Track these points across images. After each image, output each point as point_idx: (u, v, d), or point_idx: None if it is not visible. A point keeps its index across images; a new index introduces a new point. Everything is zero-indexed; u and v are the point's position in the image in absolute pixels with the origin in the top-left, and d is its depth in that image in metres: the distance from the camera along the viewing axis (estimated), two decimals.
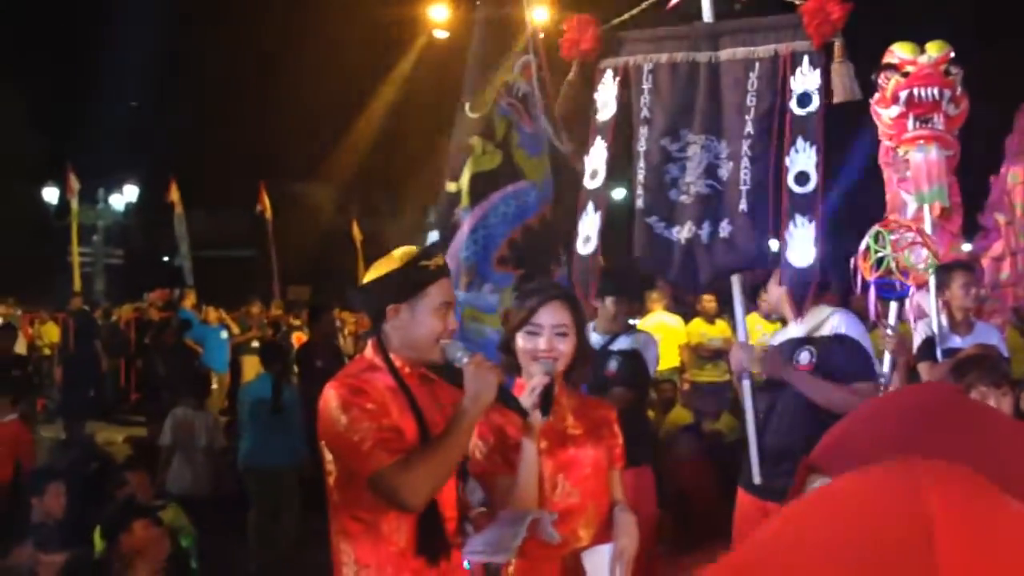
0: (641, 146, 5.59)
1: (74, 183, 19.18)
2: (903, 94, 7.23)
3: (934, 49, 7.31)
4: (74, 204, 19.61)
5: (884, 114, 7.35)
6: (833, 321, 5.39)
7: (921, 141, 7.29)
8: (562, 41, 5.77)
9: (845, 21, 5.10)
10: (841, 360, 5.24)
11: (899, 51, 7.39)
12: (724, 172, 5.44)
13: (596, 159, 5.76)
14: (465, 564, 3.66)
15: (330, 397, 3.35)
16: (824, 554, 1.06)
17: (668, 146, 5.52)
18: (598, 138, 5.77)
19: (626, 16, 5.71)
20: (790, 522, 1.14)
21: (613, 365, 6.00)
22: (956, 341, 6.24)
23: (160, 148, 24.23)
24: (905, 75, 7.30)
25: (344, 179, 26.87)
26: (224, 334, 14.69)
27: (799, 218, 5.30)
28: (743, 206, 5.35)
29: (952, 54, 7.30)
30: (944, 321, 6.47)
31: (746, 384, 5.29)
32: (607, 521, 3.88)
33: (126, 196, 27.36)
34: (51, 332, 17.35)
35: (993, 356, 5.23)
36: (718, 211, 5.44)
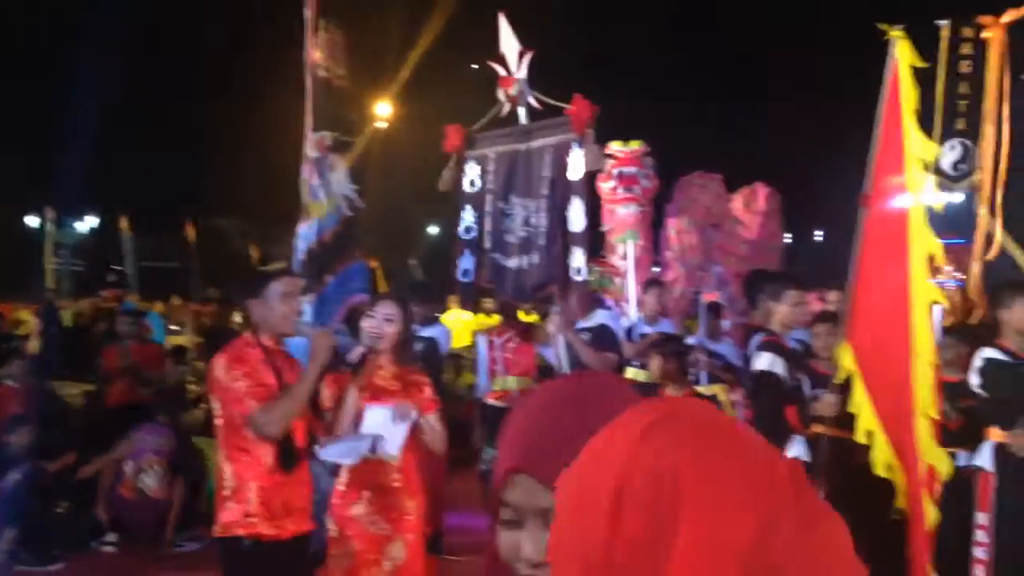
0: (488, 208, 6.22)
1: (50, 213, 18.74)
2: (616, 171, 8.23)
3: (635, 144, 8.32)
4: (50, 228, 19.08)
5: (604, 186, 8.27)
6: (598, 316, 6.27)
7: (627, 202, 8.31)
8: (444, 140, 6.42)
9: (594, 120, 5.58)
10: (599, 338, 6.06)
11: (614, 146, 8.34)
12: (534, 221, 6.03)
13: (467, 218, 6.45)
14: (322, 458, 3.84)
15: (217, 363, 3.61)
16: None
17: (503, 206, 6.17)
18: (468, 205, 6.47)
19: (481, 123, 6.33)
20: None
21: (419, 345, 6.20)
22: (647, 328, 6.77)
23: (115, 187, 23.88)
24: (616, 159, 8.27)
25: (248, 213, 26.52)
26: (159, 320, 14.44)
27: (575, 249, 5.84)
28: (542, 242, 5.95)
29: (647, 148, 8.37)
30: (642, 315, 7.18)
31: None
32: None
33: (88, 223, 29.58)
34: (27, 318, 16.76)
35: (674, 336, 5.83)
36: (532, 248, 6.03)
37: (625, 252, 8.27)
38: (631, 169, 8.52)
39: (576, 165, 5.76)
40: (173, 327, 14.83)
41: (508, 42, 6.02)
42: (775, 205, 9.83)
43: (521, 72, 6.04)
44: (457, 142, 6.40)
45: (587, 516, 0.83)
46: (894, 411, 4.19)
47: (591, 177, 5.92)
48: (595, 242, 8.35)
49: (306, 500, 3.85)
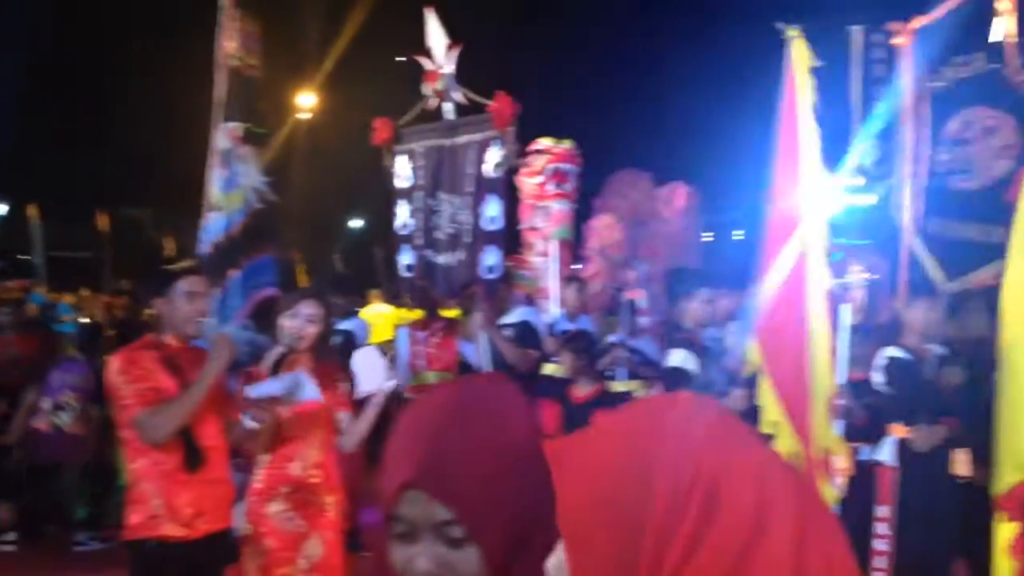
0: (416, 204, 6.20)
1: None
2: (550, 167, 8.20)
3: (567, 142, 8.34)
4: None
5: (530, 181, 8.26)
6: (521, 312, 6.46)
7: (558, 198, 8.29)
8: (373, 134, 6.39)
9: (516, 117, 5.63)
10: (521, 335, 6.27)
11: (545, 142, 8.33)
12: (460, 218, 6.03)
13: (402, 214, 6.46)
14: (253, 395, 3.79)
15: (112, 365, 3.56)
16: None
17: (432, 203, 6.16)
18: (402, 200, 6.46)
19: (408, 117, 6.30)
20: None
21: (338, 338, 6.17)
22: (568, 324, 6.89)
23: (24, 175, 23.05)
24: (550, 155, 8.22)
25: (163, 203, 26.05)
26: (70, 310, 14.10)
27: (490, 247, 5.85)
28: (468, 239, 5.96)
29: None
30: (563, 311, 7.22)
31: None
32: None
33: None
34: None
35: (584, 333, 5.93)
36: (459, 245, 6.05)
37: (546, 248, 8.33)
38: (566, 166, 8.57)
39: (495, 162, 5.81)
40: (83, 319, 14.48)
41: (435, 36, 6.03)
42: (694, 204, 10.05)
43: (448, 67, 6.05)
44: (386, 135, 6.37)
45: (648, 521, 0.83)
46: (796, 402, 4.33)
47: (510, 175, 5.96)
48: (512, 239, 8.43)
49: (220, 499, 3.82)
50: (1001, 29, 6.05)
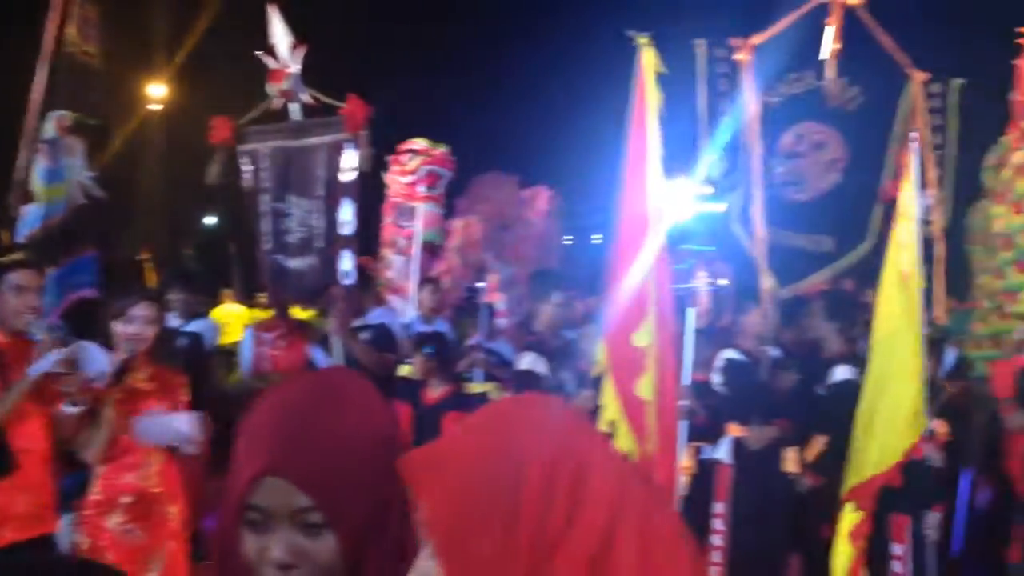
0: (264, 207, 6.05)
1: None
2: (423, 169, 8.18)
3: (443, 146, 8.32)
4: None
5: (400, 180, 8.18)
6: (377, 315, 6.50)
7: (428, 201, 8.23)
8: (211, 132, 6.17)
9: (369, 120, 5.62)
10: (378, 338, 6.26)
11: (421, 142, 8.28)
12: (311, 222, 5.92)
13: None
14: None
15: None
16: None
17: (279, 206, 6.01)
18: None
19: (249, 116, 6.11)
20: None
21: (183, 340, 6.04)
22: (423, 326, 6.94)
23: None
24: (425, 157, 8.19)
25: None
26: None
27: (344, 251, 5.81)
28: (320, 244, 5.87)
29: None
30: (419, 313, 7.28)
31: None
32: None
33: None
34: None
35: (435, 334, 6.01)
36: (310, 249, 5.93)
37: (408, 247, 8.34)
38: (440, 169, 8.57)
39: (349, 166, 5.78)
40: None
41: (279, 35, 5.93)
42: (555, 208, 10.25)
43: (294, 67, 5.97)
44: (225, 134, 6.22)
45: (508, 506, 0.88)
46: (634, 402, 4.52)
47: (364, 178, 5.93)
48: (368, 241, 8.40)
49: (32, 505, 3.67)
50: (827, 48, 6.44)
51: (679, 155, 7.43)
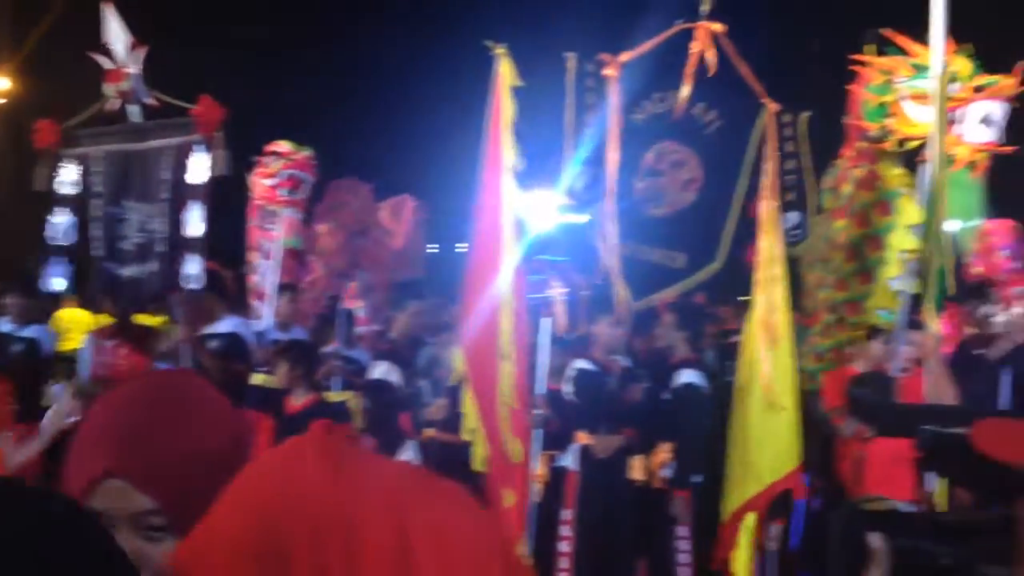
0: (96, 212, 5.79)
1: None
2: (284, 172, 7.96)
3: (306, 149, 8.15)
4: None
5: (263, 183, 7.98)
6: (228, 322, 6.32)
7: (289, 205, 8.07)
8: (35, 136, 5.89)
9: (222, 122, 5.49)
10: (228, 346, 6.12)
11: (284, 145, 8.09)
12: (152, 227, 5.72)
13: (60, 221, 6.08)
14: None
15: None
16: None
17: (114, 211, 5.79)
18: (63, 209, 6.05)
19: (79, 119, 5.87)
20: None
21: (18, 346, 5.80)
22: (278, 334, 6.84)
23: None
24: (288, 160, 7.99)
25: None
26: None
27: (191, 256, 5.64)
28: (162, 249, 5.68)
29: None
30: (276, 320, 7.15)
31: None
32: None
33: None
34: None
35: (302, 342, 5.96)
36: (150, 255, 5.72)
37: (270, 252, 8.14)
38: (301, 174, 8.35)
39: (199, 168, 5.63)
40: None
41: (116, 34, 5.72)
42: (421, 216, 10.27)
43: (133, 67, 5.77)
44: (51, 138, 5.94)
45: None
46: (491, 409, 4.58)
47: (224, 181, 5.79)
48: (237, 246, 8.20)
49: None
50: (689, 70, 6.67)
51: (547, 166, 7.57)
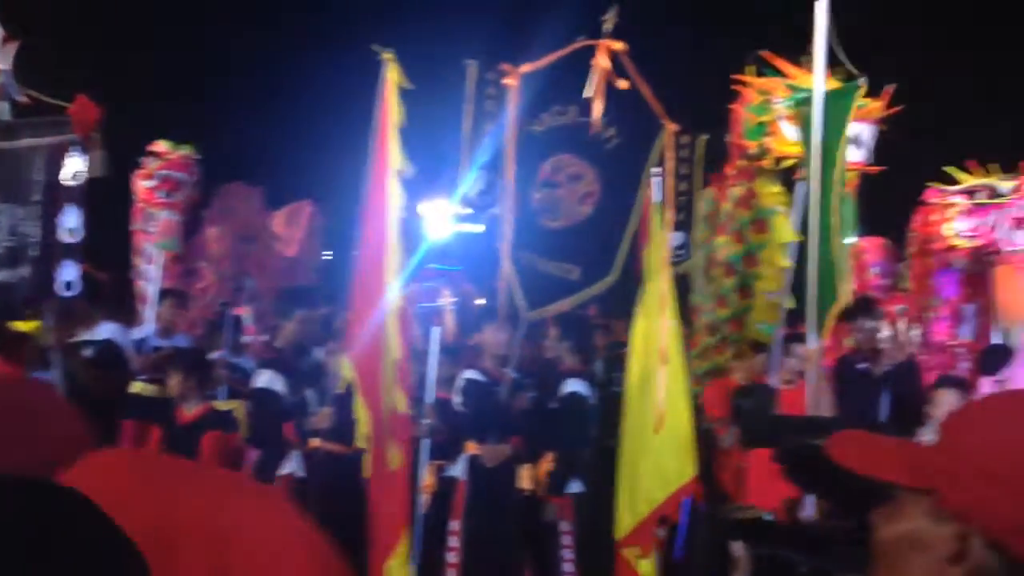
0: None
1: None
2: (161, 173, 7.70)
3: (186, 148, 7.89)
4: None
5: (142, 184, 7.72)
6: (104, 329, 5.97)
7: (167, 207, 7.81)
8: None
9: (100, 122, 5.25)
10: (103, 354, 5.65)
11: (162, 145, 7.80)
12: (23, 229, 5.39)
13: None
14: None
15: None
16: None
17: None
18: None
19: None
20: None
21: None
22: (160, 341, 6.59)
23: None
24: (164, 160, 7.73)
25: None
26: None
27: (67, 262, 5.37)
28: (34, 253, 5.37)
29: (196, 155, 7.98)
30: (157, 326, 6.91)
31: None
32: None
33: None
34: None
35: (195, 350, 5.74)
36: (22, 259, 5.39)
37: (152, 256, 7.86)
38: (178, 174, 8.05)
39: (75, 169, 5.36)
40: None
41: None
42: (317, 224, 10.12)
43: (3, 63, 5.48)
44: None
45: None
46: (378, 417, 4.51)
47: (103, 183, 5.53)
48: (121, 249, 7.90)
49: None
50: (592, 86, 6.74)
51: (445, 174, 7.52)
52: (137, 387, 6.24)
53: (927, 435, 4.72)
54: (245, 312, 8.07)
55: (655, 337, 4.69)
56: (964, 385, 5.39)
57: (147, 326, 6.99)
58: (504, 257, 6.83)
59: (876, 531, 1.10)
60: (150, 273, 7.89)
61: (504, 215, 7.11)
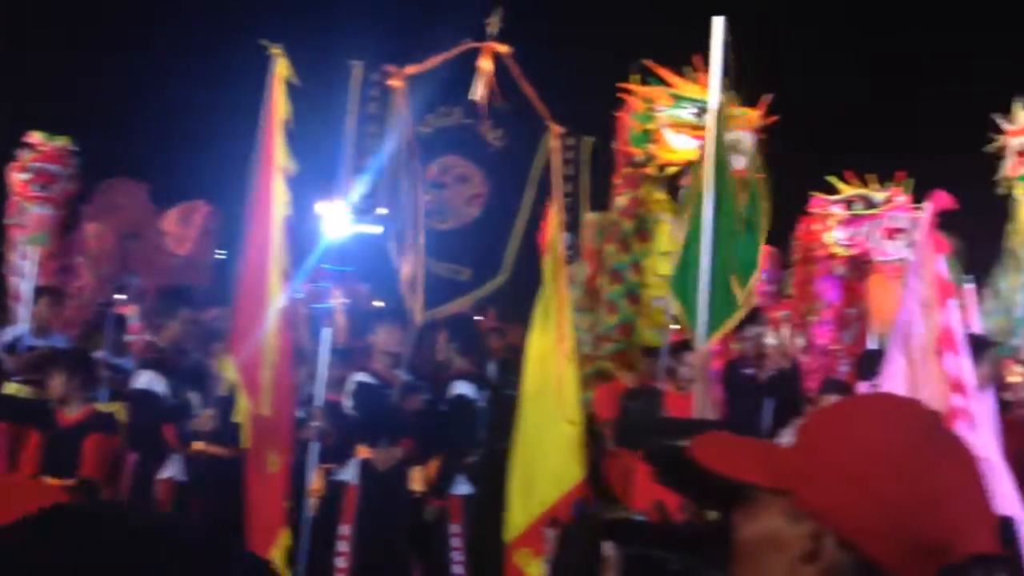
0: None
1: None
2: (35, 165, 7.44)
3: (61, 139, 7.65)
4: None
5: (17, 176, 7.44)
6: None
7: (41, 201, 7.55)
8: None
9: None
10: None
11: (37, 136, 7.56)
12: None
13: None
14: None
15: None
16: None
17: None
18: None
19: None
20: None
21: None
22: (35, 340, 6.36)
23: None
24: (38, 152, 7.46)
25: None
26: None
27: None
28: None
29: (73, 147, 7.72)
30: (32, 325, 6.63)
31: None
32: None
33: None
34: None
35: (79, 350, 5.50)
36: None
37: (26, 254, 7.49)
38: (53, 167, 7.71)
39: None
40: None
41: None
42: (211, 223, 9.83)
43: None
44: None
45: None
46: (258, 419, 4.42)
47: None
48: None
49: None
50: (478, 89, 6.74)
51: (336, 174, 7.40)
52: (11, 388, 5.96)
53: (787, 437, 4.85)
54: (130, 311, 7.79)
55: (551, 339, 4.72)
56: (847, 390, 5.49)
57: (21, 325, 6.67)
58: (407, 257, 6.79)
59: (736, 531, 1.11)
60: (24, 269, 7.54)
61: (408, 216, 7.08)
